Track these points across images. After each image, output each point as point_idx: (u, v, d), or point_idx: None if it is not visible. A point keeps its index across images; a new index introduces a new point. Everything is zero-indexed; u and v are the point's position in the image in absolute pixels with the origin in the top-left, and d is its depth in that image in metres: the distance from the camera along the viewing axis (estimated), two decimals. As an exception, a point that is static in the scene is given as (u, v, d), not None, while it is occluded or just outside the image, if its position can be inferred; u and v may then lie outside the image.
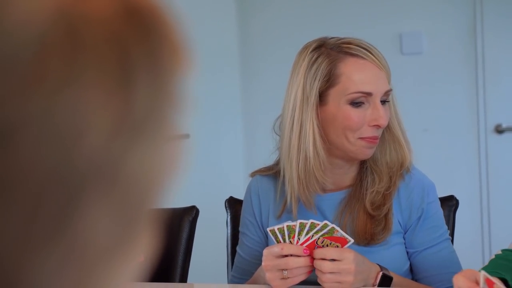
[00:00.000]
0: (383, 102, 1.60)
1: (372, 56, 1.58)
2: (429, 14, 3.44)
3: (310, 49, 1.61)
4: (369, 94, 1.57)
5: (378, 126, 1.57)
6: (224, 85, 3.56)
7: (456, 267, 1.63)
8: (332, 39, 1.63)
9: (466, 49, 3.41)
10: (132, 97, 0.28)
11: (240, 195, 1.91)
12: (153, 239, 0.31)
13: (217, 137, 3.46)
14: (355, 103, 1.57)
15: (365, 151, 1.59)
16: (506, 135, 3.39)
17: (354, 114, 1.57)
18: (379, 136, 1.60)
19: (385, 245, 1.62)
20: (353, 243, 1.54)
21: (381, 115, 1.56)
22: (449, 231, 1.70)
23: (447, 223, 1.82)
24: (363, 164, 1.66)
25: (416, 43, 3.45)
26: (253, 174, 1.77)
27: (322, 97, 1.60)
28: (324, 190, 1.67)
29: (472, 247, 3.32)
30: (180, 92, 0.30)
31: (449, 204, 1.86)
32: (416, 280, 1.67)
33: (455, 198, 1.88)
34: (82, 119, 0.26)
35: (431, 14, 3.44)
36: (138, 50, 0.28)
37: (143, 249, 0.30)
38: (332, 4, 3.55)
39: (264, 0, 3.67)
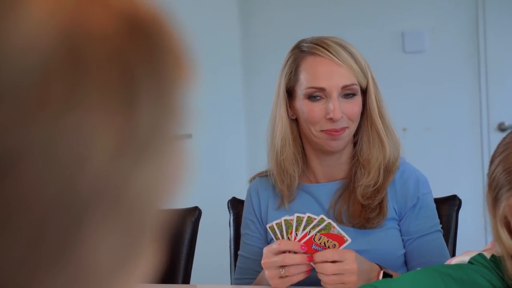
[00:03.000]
0: (347, 96, 1.66)
1: (330, 54, 1.65)
2: (431, 12, 3.44)
3: (289, 51, 1.74)
4: (322, 89, 1.65)
5: (331, 119, 1.64)
6: (226, 85, 3.56)
7: (446, 258, 1.67)
8: (307, 39, 1.72)
9: (469, 47, 3.40)
10: (136, 115, 0.27)
11: (242, 196, 1.92)
12: (157, 253, 0.31)
13: (219, 137, 3.46)
14: (312, 98, 1.66)
15: (329, 143, 1.67)
16: (509, 134, 3.38)
17: (311, 108, 1.66)
18: (346, 128, 1.66)
19: (380, 227, 1.68)
20: (348, 226, 1.63)
21: (332, 109, 1.63)
22: (441, 225, 1.74)
23: (450, 222, 1.83)
24: (353, 158, 1.73)
25: (418, 41, 3.45)
26: (252, 178, 1.85)
27: (291, 93, 1.71)
28: (317, 182, 1.76)
29: (475, 247, 3.31)
30: (184, 105, 0.30)
31: (452, 203, 1.86)
32: (409, 269, 1.70)
33: (458, 198, 1.87)
34: (85, 143, 0.25)
35: (434, 12, 3.43)
36: (141, 66, 0.28)
37: (148, 264, 0.30)
38: (334, 2, 3.55)
39: (265, -1, 3.67)
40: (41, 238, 0.25)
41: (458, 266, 1.42)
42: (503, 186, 1.27)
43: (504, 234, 1.30)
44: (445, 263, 1.48)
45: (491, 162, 1.32)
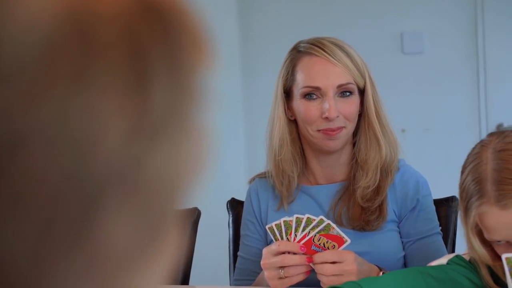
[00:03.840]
0: (344, 95, 1.65)
1: (325, 53, 1.65)
2: (430, 13, 3.44)
3: (287, 52, 1.74)
4: (318, 88, 1.66)
5: (327, 119, 1.63)
6: (225, 85, 3.56)
7: None
8: (304, 40, 1.73)
9: (468, 48, 3.40)
10: (150, 98, 0.26)
11: (242, 197, 1.92)
12: (179, 242, 0.30)
13: (218, 138, 3.45)
14: (308, 97, 1.66)
15: (326, 143, 1.67)
16: (507, 135, 3.38)
17: (307, 107, 1.66)
18: (342, 128, 1.66)
19: (380, 230, 1.67)
20: (348, 228, 1.63)
21: (328, 108, 1.63)
22: (440, 227, 1.73)
23: (449, 224, 1.83)
24: (352, 159, 1.72)
25: (417, 42, 3.45)
26: (252, 179, 1.85)
27: (289, 94, 1.71)
28: (316, 183, 1.76)
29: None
30: (202, 88, 0.29)
31: (451, 205, 1.86)
32: None
33: (457, 198, 1.87)
34: (96, 124, 0.25)
35: (432, 13, 3.43)
36: (155, 47, 0.27)
37: (169, 253, 0.29)
38: (333, 3, 3.55)
39: None
40: (54, 220, 0.25)
41: (438, 266, 1.43)
42: (473, 195, 1.29)
43: (476, 242, 1.32)
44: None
45: (462, 172, 1.35)
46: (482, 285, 1.40)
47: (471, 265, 1.42)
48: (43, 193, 0.24)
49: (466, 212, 1.33)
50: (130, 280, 0.27)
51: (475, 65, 3.40)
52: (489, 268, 1.38)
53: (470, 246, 1.36)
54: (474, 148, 1.36)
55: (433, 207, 1.74)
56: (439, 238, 1.72)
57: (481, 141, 1.37)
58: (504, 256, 1.28)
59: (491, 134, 1.38)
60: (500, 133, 1.37)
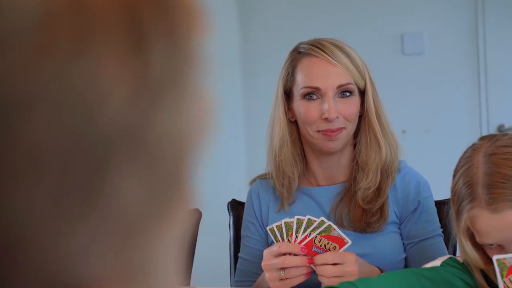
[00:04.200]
0: (344, 96, 1.65)
1: (325, 54, 1.66)
2: (430, 14, 3.44)
3: (288, 53, 1.74)
4: (318, 89, 1.66)
5: (327, 119, 1.63)
6: (226, 86, 3.56)
7: None
8: (304, 41, 1.73)
9: (468, 49, 3.40)
10: (149, 61, 0.27)
11: (242, 198, 1.92)
12: (191, 207, 0.30)
13: (218, 139, 3.46)
14: (307, 98, 1.67)
15: (326, 144, 1.67)
16: (508, 136, 3.38)
17: (307, 108, 1.67)
18: (342, 129, 1.66)
19: (381, 231, 1.67)
20: (349, 230, 1.63)
21: (327, 109, 1.63)
22: (442, 229, 1.73)
23: (450, 226, 1.82)
24: (353, 160, 1.72)
25: (417, 43, 3.45)
26: (253, 181, 1.85)
27: (290, 95, 1.72)
28: (317, 185, 1.76)
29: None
30: (199, 53, 0.29)
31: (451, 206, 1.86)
32: None
33: (458, 200, 1.87)
34: (99, 85, 0.25)
35: (433, 14, 3.43)
36: (151, 14, 0.27)
37: (181, 220, 0.30)
38: (333, 4, 3.55)
39: (265, 0, 3.67)
40: (68, 180, 0.25)
41: (432, 268, 1.44)
42: (464, 199, 1.30)
43: (468, 246, 1.33)
44: None
45: (454, 175, 1.36)
46: (476, 286, 1.40)
47: (465, 266, 1.43)
48: (53, 154, 0.25)
49: (457, 216, 1.34)
50: (144, 242, 0.28)
51: (476, 66, 3.40)
52: (482, 271, 1.38)
53: (462, 249, 1.37)
54: (465, 152, 1.37)
55: (434, 209, 1.73)
56: (441, 239, 1.72)
57: (473, 144, 1.38)
58: (495, 258, 1.29)
59: (482, 138, 1.39)
60: (491, 136, 1.37)
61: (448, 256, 1.48)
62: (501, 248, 1.31)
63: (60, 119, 0.25)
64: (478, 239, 1.32)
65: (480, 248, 1.35)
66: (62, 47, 0.25)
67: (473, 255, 1.35)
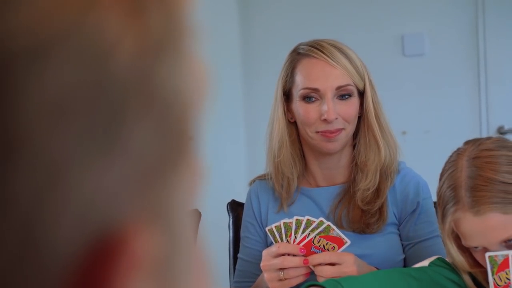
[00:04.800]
0: (343, 97, 1.66)
1: (324, 55, 1.66)
2: (431, 15, 3.44)
3: (287, 54, 1.74)
4: (316, 90, 1.66)
5: (326, 121, 1.64)
6: (226, 87, 3.56)
7: None
8: (304, 42, 1.73)
9: (468, 50, 3.40)
10: (148, 23, 0.28)
11: (242, 198, 1.92)
12: (200, 164, 0.32)
13: (218, 139, 3.46)
14: (307, 99, 1.67)
15: (325, 145, 1.67)
16: (508, 137, 3.38)
17: (306, 109, 1.67)
18: (341, 130, 1.66)
19: (380, 232, 1.68)
20: (348, 231, 1.63)
21: (326, 110, 1.63)
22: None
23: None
24: (352, 161, 1.72)
25: (418, 44, 3.45)
26: (252, 181, 1.85)
27: (289, 96, 1.72)
28: (317, 186, 1.76)
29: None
30: (193, 21, 0.31)
31: (452, 207, 1.86)
32: None
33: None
34: (108, 36, 0.27)
35: (433, 15, 3.43)
36: None
37: (190, 172, 0.31)
38: (334, 5, 3.55)
39: (266, 0, 3.68)
40: (92, 122, 0.27)
41: (419, 268, 1.45)
42: (448, 202, 1.33)
43: (453, 248, 1.35)
44: None
45: (440, 179, 1.39)
46: (464, 286, 1.41)
47: (452, 266, 1.44)
48: (79, 96, 0.26)
49: (442, 219, 1.36)
50: (161, 187, 0.29)
51: (476, 67, 3.40)
52: (470, 273, 1.40)
53: (448, 252, 1.39)
54: (451, 156, 1.41)
55: (433, 210, 1.73)
56: (439, 241, 1.71)
57: (458, 149, 1.41)
58: (487, 255, 1.31)
59: (467, 142, 1.42)
60: (475, 140, 1.40)
61: (436, 256, 1.49)
62: (487, 251, 1.32)
63: (80, 65, 0.26)
64: (463, 242, 1.34)
65: (466, 250, 1.37)
66: (71, 2, 0.27)
67: (459, 258, 1.37)
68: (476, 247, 1.34)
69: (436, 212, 1.75)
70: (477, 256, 1.35)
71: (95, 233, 0.27)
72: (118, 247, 0.27)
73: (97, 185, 0.27)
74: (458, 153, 1.38)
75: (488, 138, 1.40)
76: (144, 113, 0.28)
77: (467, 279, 1.39)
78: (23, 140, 0.25)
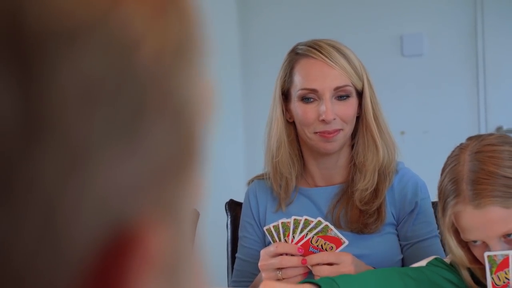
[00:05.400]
0: (341, 98, 1.66)
1: (322, 55, 1.66)
2: (429, 15, 3.44)
3: (286, 54, 1.74)
4: (315, 91, 1.66)
5: (324, 121, 1.64)
6: (225, 87, 3.56)
7: None
8: (302, 42, 1.73)
9: (467, 51, 3.40)
10: (168, 24, 0.29)
11: (240, 198, 1.92)
12: (204, 171, 0.32)
13: (217, 139, 3.46)
14: (305, 100, 1.67)
15: (323, 145, 1.67)
16: (507, 138, 3.38)
17: (304, 109, 1.67)
18: (339, 130, 1.67)
19: (378, 232, 1.68)
20: (346, 231, 1.63)
21: (324, 111, 1.63)
22: (438, 230, 1.73)
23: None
24: (351, 161, 1.72)
25: (417, 45, 3.45)
26: (250, 181, 1.85)
27: (287, 96, 1.72)
28: (315, 186, 1.77)
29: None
30: (202, 35, 0.32)
31: (450, 207, 1.86)
32: None
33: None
34: (133, 32, 0.28)
35: (432, 15, 3.43)
36: None
37: (198, 174, 0.32)
38: (333, 5, 3.55)
39: (265, 1, 3.67)
40: (115, 114, 0.27)
41: (416, 268, 1.46)
42: (449, 195, 1.34)
43: (453, 242, 1.36)
44: None
45: (441, 174, 1.39)
46: (463, 286, 1.42)
47: (451, 266, 1.44)
48: (105, 86, 0.27)
49: (443, 212, 1.37)
50: (173, 187, 0.30)
51: (475, 68, 3.40)
52: (469, 270, 1.40)
53: (448, 246, 1.40)
54: (453, 151, 1.42)
55: (432, 210, 1.74)
56: (437, 241, 1.72)
57: (460, 144, 1.43)
58: (486, 254, 1.32)
59: (469, 138, 1.43)
60: (478, 136, 1.42)
61: (433, 256, 1.49)
62: (485, 246, 1.33)
63: (107, 54, 0.27)
64: (462, 235, 1.34)
65: (465, 245, 1.37)
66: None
67: (458, 252, 1.37)
68: (475, 241, 1.34)
69: (435, 211, 1.75)
70: (476, 252, 1.35)
71: (112, 225, 0.27)
72: (133, 242, 0.27)
73: (116, 178, 0.27)
74: (460, 148, 1.40)
75: (491, 134, 1.42)
76: (161, 112, 0.29)
77: (466, 275, 1.40)
78: (51, 121, 0.26)
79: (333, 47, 1.67)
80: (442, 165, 1.44)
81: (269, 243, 1.60)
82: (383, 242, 1.68)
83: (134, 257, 0.27)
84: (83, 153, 0.26)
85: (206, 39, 0.32)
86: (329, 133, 1.65)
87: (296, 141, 1.75)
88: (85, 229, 0.26)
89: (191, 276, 0.32)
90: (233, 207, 1.97)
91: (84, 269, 0.26)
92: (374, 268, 1.57)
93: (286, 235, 1.55)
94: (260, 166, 1.82)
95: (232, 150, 3.61)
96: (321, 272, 1.49)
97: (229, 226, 1.97)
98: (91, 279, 0.26)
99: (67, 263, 0.26)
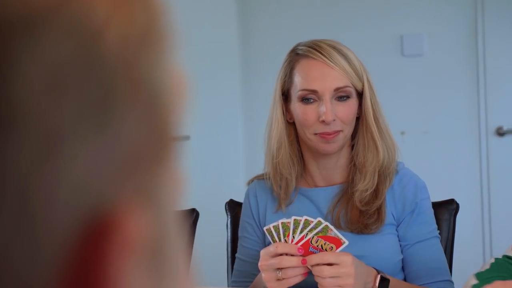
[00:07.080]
0: (341, 98, 1.65)
1: (322, 56, 1.66)
2: (430, 16, 3.44)
3: (286, 54, 1.74)
4: (315, 92, 1.66)
5: (324, 122, 1.64)
6: (225, 88, 3.56)
7: (443, 264, 1.70)
8: (302, 42, 1.73)
9: (467, 51, 3.40)
10: (133, 11, 0.29)
11: (240, 198, 1.92)
12: (180, 161, 0.32)
13: (217, 139, 3.46)
14: (305, 100, 1.67)
15: (323, 146, 1.67)
16: (507, 138, 3.38)
17: (304, 110, 1.67)
18: (339, 132, 1.66)
19: (378, 233, 1.68)
20: (346, 231, 1.63)
21: (325, 112, 1.63)
22: (439, 231, 1.73)
23: (448, 227, 1.82)
24: (351, 162, 1.72)
25: (417, 45, 3.45)
26: (250, 181, 1.85)
27: (287, 96, 1.72)
28: (315, 186, 1.76)
29: (472, 251, 3.31)
30: (170, 24, 0.32)
31: (450, 207, 1.86)
32: (406, 274, 1.71)
33: (456, 202, 1.87)
34: (97, 18, 0.27)
35: (432, 16, 3.43)
36: None
37: (177, 164, 0.31)
38: (333, 5, 3.55)
39: (265, 1, 3.67)
40: (85, 100, 0.27)
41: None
42: None
43: None
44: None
45: None
46: None
47: None
48: (73, 72, 0.26)
49: None
50: (149, 172, 0.30)
51: (475, 68, 3.40)
52: None
53: None
54: None
55: (432, 211, 1.73)
56: (437, 241, 1.72)
57: None
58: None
59: None
60: None
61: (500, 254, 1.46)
62: None
63: (72, 40, 0.26)
64: None
65: None
66: None
67: None
68: None
69: (435, 211, 1.75)
70: None
71: (89, 211, 0.27)
72: (112, 226, 0.27)
73: (90, 163, 0.27)
74: None
75: None
76: (132, 99, 0.28)
77: None
78: (19, 111, 0.25)
79: (334, 47, 1.67)
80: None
81: (269, 243, 1.60)
82: (383, 243, 1.68)
83: (113, 241, 0.27)
84: (55, 139, 0.26)
85: (175, 29, 0.31)
86: (329, 134, 1.65)
87: (296, 141, 1.75)
88: (62, 214, 0.26)
89: (174, 261, 0.31)
90: (233, 207, 1.97)
91: (63, 254, 0.26)
92: (375, 268, 1.57)
93: (286, 235, 1.55)
94: (260, 166, 1.82)
95: (232, 150, 3.61)
96: (321, 272, 1.48)
97: (229, 226, 1.97)
98: (70, 264, 0.26)
99: (45, 248, 0.26)
